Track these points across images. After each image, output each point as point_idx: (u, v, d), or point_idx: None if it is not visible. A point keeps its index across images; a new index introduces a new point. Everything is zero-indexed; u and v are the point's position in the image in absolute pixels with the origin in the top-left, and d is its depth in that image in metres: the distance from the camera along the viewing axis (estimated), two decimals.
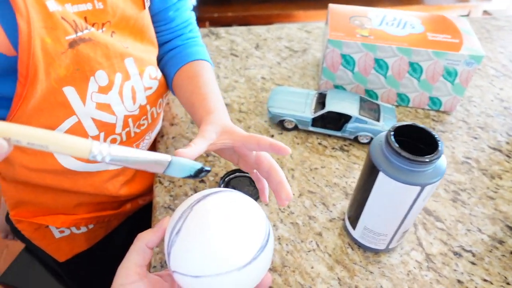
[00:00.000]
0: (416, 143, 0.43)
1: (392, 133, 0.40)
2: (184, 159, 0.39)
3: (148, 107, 0.58)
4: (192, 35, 0.65)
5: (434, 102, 0.71)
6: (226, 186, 0.58)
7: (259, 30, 0.93)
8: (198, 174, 0.39)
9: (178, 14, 0.62)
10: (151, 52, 0.58)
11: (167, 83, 0.63)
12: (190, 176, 0.39)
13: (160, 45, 0.62)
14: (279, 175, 0.44)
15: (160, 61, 0.63)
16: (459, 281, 0.49)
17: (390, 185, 0.40)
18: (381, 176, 0.40)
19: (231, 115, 0.71)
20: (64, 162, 0.53)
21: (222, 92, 0.75)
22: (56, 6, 0.41)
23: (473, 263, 0.51)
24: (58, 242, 0.68)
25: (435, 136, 0.40)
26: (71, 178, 0.56)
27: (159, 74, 0.60)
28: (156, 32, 0.60)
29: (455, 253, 0.52)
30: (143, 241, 0.40)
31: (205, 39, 0.89)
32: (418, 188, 0.39)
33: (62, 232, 0.66)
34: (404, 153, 0.38)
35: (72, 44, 0.44)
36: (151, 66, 0.57)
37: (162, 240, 0.40)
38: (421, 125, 0.41)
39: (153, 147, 0.71)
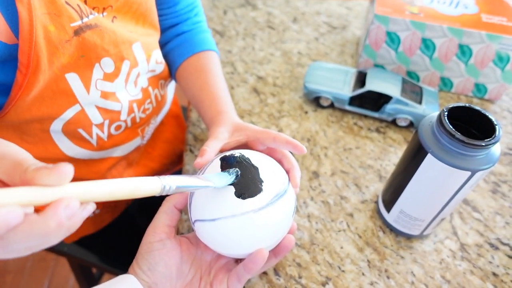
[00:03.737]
0: (468, 126, 0.41)
1: (446, 113, 0.38)
2: (221, 179, 0.36)
3: (150, 89, 0.56)
4: (197, 19, 0.62)
5: (479, 89, 0.67)
6: None
7: (298, 3, 0.90)
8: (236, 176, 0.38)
9: None
10: (154, 36, 0.55)
11: (170, 71, 0.61)
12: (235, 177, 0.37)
13: (164, 29, 0.59)
14: (290, 162, 0.42)
15: (164, 46, 0.60)
16: (494, 274, 0.47)
17: (437, 168, 0.38)
18: (429, 158, 0.38)
19: (265, 88, 0.69)
20: (67, 150, 0.51)
21: (257, 65, 0.74)
22: None
23: (510, 257, 0.49)
24: None
25: (493, 119, 0.37)
26: (74, 166, 0.54)
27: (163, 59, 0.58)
28: (160, 16, 0.56)
29: (492, 245, 0.50)
30: (172, 202, 0.40)
31: (241, 9, 0.87)
32: (467, 174, 0.37)
33: None
34: (458, 135, 0.36)
35: (78, 31, 0.41)
36: (157, 50, 0.55)
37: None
38: (477, 107, 0.39)
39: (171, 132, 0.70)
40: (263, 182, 0.36)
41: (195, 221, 0.38)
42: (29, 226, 0.22)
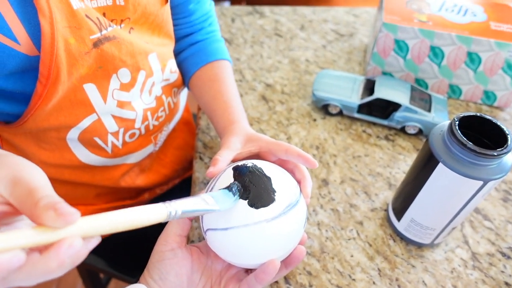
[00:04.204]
0: (479, 135, 0.41)
1: (457, 122, 0.38)
2: (225, 200, 0.36)
3: (163, 97, 0.57)
4: (211, 28, 0.63)
5: (488, 96, 0.67)
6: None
7: (305, 11, 0.91)
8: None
9: (199, 7, 0.59)
10: (169, 45, 0.56)
11: (184, 79, 0.61)
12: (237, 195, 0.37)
13: (179, 38, 0.60)
14: (302, 173, 0.43)
15: (178, 55, 0.61)
16: (506, 284, 0.47)
17: (449, 178, 0.38)
18: (440, 167, 0.38)
19: (273, 96, 0.69)
20: (83, 157, 0.52)
21: (265, 72, 0.74)
22: (79, 3, 0.39)
23: None
24: None
25: (504, 129, 0.37)
26: (89, 173, 0.56)
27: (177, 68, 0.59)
28: (175, 25, 0.57)
29: (504, 254, 0.49)
30: None
31: (249, 17, 0.88)
32: (479, 183, 0.37)
33: None
34: (470, 145, 0.36)
35: (97, 43, 0.42)
36: (172, 59, 0.56)
37: None
38: (488, 117, 0.39)
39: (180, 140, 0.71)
40: (275, 192, 0.37)
41: (207, 230, 0.38)
42: (31, 267, 0.23)
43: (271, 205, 0.36)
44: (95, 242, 0.25)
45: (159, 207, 0.29)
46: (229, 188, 0.37)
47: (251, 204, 0.36)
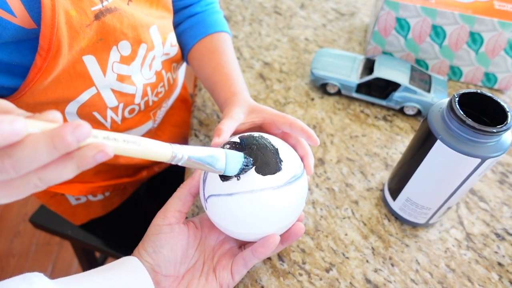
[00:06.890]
0: (478, 114, 0.40)
1: (457, 99, 0.37)
2: (234, 162, 0.36)
3: (163, 72, 0.56)
4: (210, 0, 0.61)
5: (489, 78, 0.66)
6: None
7: None
8: (246, 164, 0.37)
9: None
10: (168, 18, 0.55)
11: (183, 53, 0.60)
12: (242, 168, 0.37)
13: (177, 10, 0.59)
14: (304, 149, 0.43)
15: (176, 27, 0.60)
16: (499, 264, 0.47)
17: (446, 155, 0.38)
18: (438, 144, 0.38)
19: (271, 75, 0.68)
20: None
21: (263, 50, 0.73)
22: None
23: None
24: (74, 208, 0.68)
25: (505, 106, 0.37)
26: None
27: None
28: None
29: (498, 235, 0.49)
30: (186, 187, 0.40)
31: None
32: (477, 161, 0.37)
33: (78, 199, 0.66)
34: (469, 121, 0.35)
35: (98, 15, 0.41)
36: (172, 32, 0.55)
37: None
38: (489, 94, 0.38)
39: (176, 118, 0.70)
40: (282, 162, 0.37)
41: (209, 196, 0.37)
42: (34, 144, 0.21)
43: (277, 174, 0.36)
44: (108, 152, 0.24)
45: (166, 146, 0.29)
46: (244, 154, 0.37)
47: (258, 171, 0.36)
